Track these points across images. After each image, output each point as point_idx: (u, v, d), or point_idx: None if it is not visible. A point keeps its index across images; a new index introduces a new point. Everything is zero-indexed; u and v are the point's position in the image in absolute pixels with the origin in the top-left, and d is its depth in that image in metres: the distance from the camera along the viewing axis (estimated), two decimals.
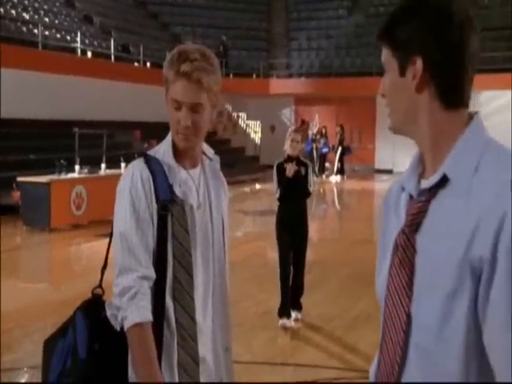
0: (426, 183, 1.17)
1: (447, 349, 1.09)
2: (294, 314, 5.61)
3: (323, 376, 4.53)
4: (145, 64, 19.59)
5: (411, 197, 1.20)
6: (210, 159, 2.03)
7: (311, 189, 5.64)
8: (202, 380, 1.81)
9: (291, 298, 5.54)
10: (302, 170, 5.49)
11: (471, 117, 1.19)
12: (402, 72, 1.17)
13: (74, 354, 1.75)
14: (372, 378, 1.32)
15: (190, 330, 1.77)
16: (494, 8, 23.44)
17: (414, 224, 1.16)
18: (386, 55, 1.21)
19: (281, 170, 5.46)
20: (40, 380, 1.88)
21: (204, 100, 1.80)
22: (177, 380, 1.76)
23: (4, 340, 4.86)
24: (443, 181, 1.14)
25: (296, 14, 27.18)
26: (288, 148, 5.51)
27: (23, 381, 4.45)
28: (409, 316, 1.14)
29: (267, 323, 5.62)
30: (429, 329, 1.10)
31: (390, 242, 1.22)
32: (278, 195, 5.52)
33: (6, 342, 4.86)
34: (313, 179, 5.74)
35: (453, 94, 1.16)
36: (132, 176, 1.78)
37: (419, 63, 1.15)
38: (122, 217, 1.75)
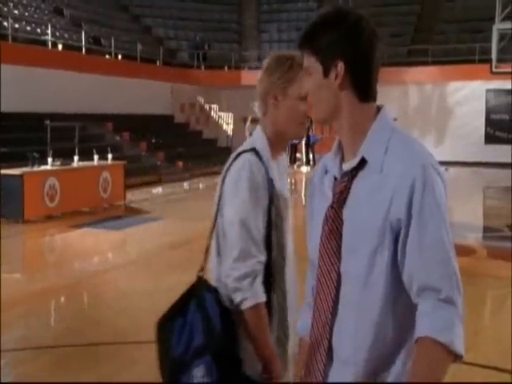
0: (347, 166, 1.45)
1: (372, 294, 1.37)
2: None
3: None
4: (116, 56, 19.57)
5: (335, 178, 1.47)
6: None
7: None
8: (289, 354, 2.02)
9: None
10: None
11: (379, 109, 1.47)
12: (326, 74, 1.43)
13: (208, 329, 1.85)
14: (301, 331, 1.63)
15: (285, 310, 2.01)
16: (458, 1, 23.89)
17: (340, 200, 1.43)
18: (308, 61, 1.47)
19: None
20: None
21: None
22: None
23: None
24: (362, 163, 1.41)
25: (267, 6, 27.30)
26: None
27: None
28: (339, 274, 1.42)
29: None
30: (356, 280, 1.39)
31: (317, 214, 1.50)
32: None
33: None
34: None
35: (365, 90, 1.44)
36: (250, 167, 1.95)
37: (341, 66, 1.41)
38: (242, 205, 1.92)
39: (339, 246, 1.41)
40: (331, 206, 1.44)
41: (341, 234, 1.41)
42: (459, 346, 1.29)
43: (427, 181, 1.32)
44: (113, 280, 7.15)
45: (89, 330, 5.24)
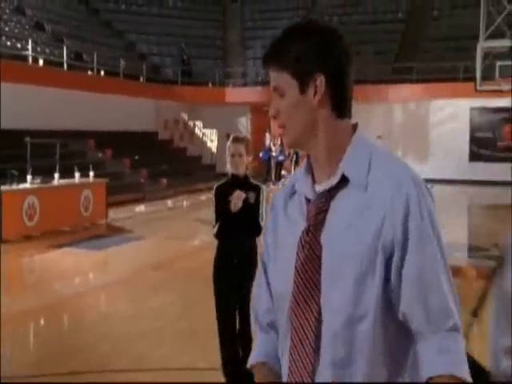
0: (323, 186, 1.31)
1: (361, 325, 1.24)
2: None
3: None
4: (99, 72, 19.37)
5: (308, 200, 1.33)
6: None
7: (262, 222, 3.99)
8: None
9: (243, 356, 3.97)
10: (252, 197, 3.96)
11: (354, 126, 1.35)
12: (303, 90, 1.29)
13: None
14: (257, 359, 1.43)
15: None
16: (442, 19, 24.11)
17: (317, 223, 1.29)
18: (280, 79, 1.31)
19: (221, 195, 3.97)
20: None
21: None
22: None
23: None
24: (342, 181, 1.29)
25: (251, 22, 27.34)
26: (229, 165, 3.99)
27: None
28: (319, 306, 1.27)
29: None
30: (341, 311, 1.24)
31: (285, 241, 1.36)
32: (214, 230, 4.07)
33: None
34: (264, 209, 4.05)
35: (343, 105, 1.32)
36: None
37: (321, 79, 1.28)
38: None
39: (318, 275, 1.27)
40: (307, 230, 1.29)
41: (320, 261, 1.27)
42: (468, 375, 1.23)
43: (421, 198, 1.25)
44: (94, 302, 6.99)
45: (69, 357, 5.03)
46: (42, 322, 6.41)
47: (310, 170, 1.36)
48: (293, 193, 1.38)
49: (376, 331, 1.24)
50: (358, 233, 1.24)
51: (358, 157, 1.30)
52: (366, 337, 1.24)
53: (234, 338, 4.07)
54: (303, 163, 1.39)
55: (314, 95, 1.28)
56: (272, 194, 1.62)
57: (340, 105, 1.31)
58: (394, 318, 1.26)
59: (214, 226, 4.08)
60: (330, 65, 1.29)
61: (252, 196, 3.97)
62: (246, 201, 3.92)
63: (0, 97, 14.00)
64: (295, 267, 1.30)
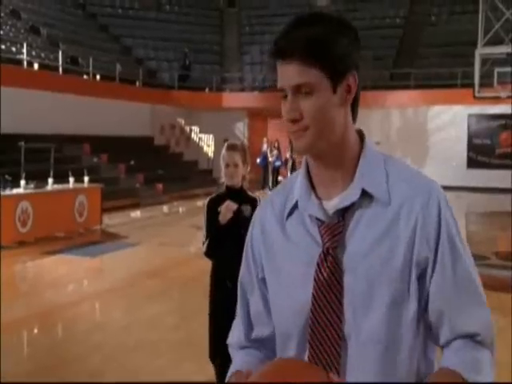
0: (336, 202, 1.16)
1: (394, 356, 1.11)
2: None
3: None
4: (94, 76, 19.22)
5: (319, 220, 1.17)
6: None
7: None
8: None
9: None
10: (246, 210, 3.53)
11: (359, 132, 1.22)
12: (335, 89, 1.15)
13: None
14: (236, 368, 1.26)
15: None
16: (440, 25, 24.08)
17: (336, 245, 1.14)
18: (309, 75, 1.14)
19: (213, 209, 3.57)
20: None
21: None
22: None
23: None
24: (361, 196, 1.15)
25: (248, 27, 27.27)
26: (224, 175, 3.59)
27: None
28: (342, 338, 1.12)
29: None
30: (371, 341, 1.10)
31: (288, 268, 1.20)
32: (204, 248, 3.59)
33: None
34: None
35: (357, 107, 1.21)
36: None
37: (355, 78, 1.16)
38: None
39: (340, 303, 1.13)
40: (325, 254, 1.14)
41: (341, 288, 1.13)
42: None
43: (449, 211, 1.17)
44: (86, 312, 6.82)
45: (61, 368, 4.87)
46: (33, 331, 6.25)
47: (310, 184, 1.21)
48: (290, 211, 1.22)
49: (412, 360, 1.12)
50: (386, 253, 1.12)
51: (375, 167, 1.18)
52: (401, 368, 1.12)
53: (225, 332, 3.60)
54: (300, 177, 1.23)
55: (347, 95, 1.15)
56: (255, 213, 1.45)
57: (355, 108, 1.21)
58: (428, 344, 1.17)
59: (203, 243, 3.60)
60: (358, 63, 1.18)
61: (247, 209, 3.54)
62: (239, 214, 3.51)
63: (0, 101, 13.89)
64: (313, 296, 1.15)
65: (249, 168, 3.67)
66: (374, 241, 1.13)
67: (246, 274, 1.30)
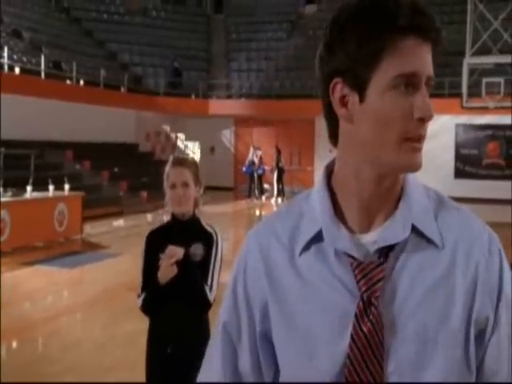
0: (378, 237, 0.92)
1: None
2: None
3: None
4: (78, 81, 18.90)
5: (352, 257, 0.92)
6: None
7: (212, 294, 2.63)
8: None
9: None
10: (197, 253, 2.65)
11: None
12: None
13: None
14: None
15: None
16: None
17: (378, 292, 0.89)
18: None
19: (153, 249, 2.69)
20: None
21: None
22: None
23: None
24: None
25: (236, 34, 27.11)
26: (169, 200, 2.77)
27: None
28: None
29: None
30: None
31: (301, 317, 0.93)
32: (139, 302, 2.70)
33: None
34: (216, 275, 2.67)
35: None
36: None
37: None
38: None
39: (380, 366, 0.88)
40: (363, 300, 0.88)
41: (382, 345, 0.88)
42: None
43: (507, 262, 0.95)
44: (63, 327, 6.55)
45: None
46: (7, 347, 5.96)
47: (333, 212, 0.95)
48: (307, 245, 0.95)
49: None
50: (441, 309, 0.90)
51: (419, 198, 0.96)
52: None
53: None
54: (319, 200, 0.99)
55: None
56: (248, 239, 1.04)
57: None
58: None
59: (138, 296, 2.72)
60: None
61: (198, 251, 2.65)
62: (187, 260, 2.61)
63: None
64: (349, 356, 0.89)
65: (202, 190, 2.82)
66: (426, 292, 0.90)
67: (232, 319, 1.00)
